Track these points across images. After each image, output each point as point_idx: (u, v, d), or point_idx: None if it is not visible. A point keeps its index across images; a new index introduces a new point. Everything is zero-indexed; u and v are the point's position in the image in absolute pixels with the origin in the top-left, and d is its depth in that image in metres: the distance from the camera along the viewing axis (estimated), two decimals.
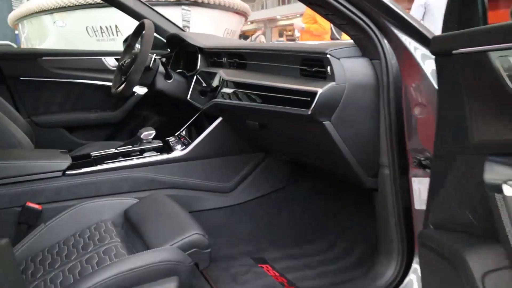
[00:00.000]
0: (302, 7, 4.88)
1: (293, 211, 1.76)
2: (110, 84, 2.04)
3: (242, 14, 4.53)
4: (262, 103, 1.27)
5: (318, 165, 1.57)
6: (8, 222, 1.39)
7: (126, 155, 1.67)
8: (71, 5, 3.77)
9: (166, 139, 1.85)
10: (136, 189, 1.58)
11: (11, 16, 4.99)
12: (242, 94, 1.41)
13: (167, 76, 2.01)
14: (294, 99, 1.14)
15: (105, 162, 1.58)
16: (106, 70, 2.38)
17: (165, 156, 1.64)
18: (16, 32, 6.00)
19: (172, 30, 2.26)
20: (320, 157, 1.41)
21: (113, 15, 3.61)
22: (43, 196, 1.43)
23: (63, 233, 1.30)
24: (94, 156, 1.66)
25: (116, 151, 1.71)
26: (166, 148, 1.71)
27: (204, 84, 1.84)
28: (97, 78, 2.37)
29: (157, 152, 1.67)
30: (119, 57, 2.08)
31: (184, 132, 1.87)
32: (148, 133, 1.72)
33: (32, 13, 4.31)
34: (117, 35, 3.88)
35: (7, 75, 2.18)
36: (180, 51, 2.23)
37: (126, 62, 1.97)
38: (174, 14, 3.51)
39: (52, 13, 4.04)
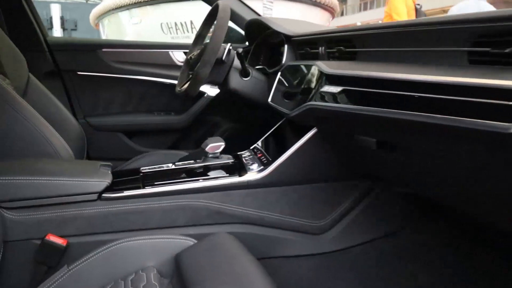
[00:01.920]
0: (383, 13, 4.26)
1: (411, 268, 1.21)
2: (176, 82, 1.66)
3: (330, 10, 4.02)
4: (399, 109, 0.76)
5: (462, 208, 1.01)
6: (24, 259, 1.03)
7: (186, 173, 1.25)
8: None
9: (239, 153, 1.41)
10: (195, 222, 1.15)
11: (91, 16, 4.95)
12: (356, 94, 0.91)
13: (244, 73, 1.57)
14: (474, 103, 0.62)
15: (157, 183, 1.16)
16: (173, 65, 2.01)
17: (236, 179, 1.19)
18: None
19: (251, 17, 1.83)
20: (479, 199, 0.86)
21: (188, 10, 3.28)
22: (70, 226, 1.05)
23: (91, 281, 0.91)
24: (143, 172, 1.26)
25: (173, 167, 1.30)
26: (238, 166, 1.27)
27: (291, 83, 1.37)
28: (163, 75, 2.01)
29: (226, 173, 1.23)
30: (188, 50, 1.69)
31: (261, 146, 1.42)
32: (216, 145, 1.28)
33: (109, 11, 4.17)
34: (192, 32, 3.58)
35: (63, 69, 1.89)
36: (261, 43, 1.79)
37: (195, 54, 1.57)
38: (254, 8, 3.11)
39: (127, 9, 3.84)
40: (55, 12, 11.12)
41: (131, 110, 2.04)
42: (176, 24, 3.58)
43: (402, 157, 0.91)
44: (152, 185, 1.15)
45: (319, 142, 1.18)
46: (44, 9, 10.93)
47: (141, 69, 1.98)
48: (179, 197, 1.14)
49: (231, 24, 1.92)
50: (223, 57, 1.50)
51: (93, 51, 1.90)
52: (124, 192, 1.11)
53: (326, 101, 1.01)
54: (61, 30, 11.30)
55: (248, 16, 1.85)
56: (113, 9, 4.05)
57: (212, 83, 1.68)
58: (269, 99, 1.47)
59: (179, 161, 1.74)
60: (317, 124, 1.16)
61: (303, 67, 1.27)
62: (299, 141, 1.18)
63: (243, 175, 1.20)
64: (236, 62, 1.56)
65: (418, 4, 4.07)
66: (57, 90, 1.88)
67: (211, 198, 1.16)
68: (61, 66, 1.88)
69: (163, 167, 1.30)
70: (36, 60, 1.80)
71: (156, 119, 2.04)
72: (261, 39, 1.78)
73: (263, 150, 1.35)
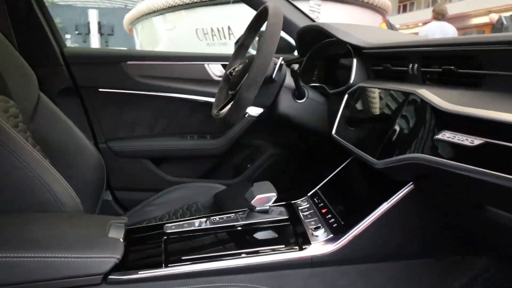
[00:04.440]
0: (423, 15, 3.82)
1: None
2: (213, 100, 1.34)
3: (381, 12, 3.61)
4: None
5: None
6: None
7: (223, 238, 0.92)
8: (181, 3, 3.26)
9: (294, 202, 1.07)
10: None
11: (125, 21, 4.76)
12: None
13: (298, 94, 1.24)
14: None
15: (184, 257, 0.83)
16: (209, 81, 1.69)
17: (295, 255, 0.84)
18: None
19: (303, 24, 1.49)
20: None
21: (226, 14, 2.97)
22: None
23: None
24: (168, 233, 0.93)
25: (207, 224, 0.97)
26: (296, 230, 0.92)
27: (367, 113, 1.02)
28: (197, 91, 1.69)
29: (280, 242, 0.88)
30: (228, 63, 1.37)
31: (324, 193, 1.07)
32: (264, 198, 0.94)
33: (142, 16, 3.93)
34: (230, 39, 3.27)
35: (81, 85, 1.61)
36: (316, 53, 1.45)
37: (236, 69, 1.25)
38: None
39: (161, 14, 3.58)
40: (93, 17, 11.19)
41: (159, 133, 1.74)
42: (212, 29, 3.29)
43: None
44: (177, 261, 0.82)
45: (418, 203, 0.82)
46: (82, 15, 11.05)
47: (172, 84, 1.67)
48: (213, 279, 0.81)
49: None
50: (273, 75, 1.16)
51: (116, 64, 1.61)
52: (139, 272, 0.79)
53: (444, 156, 0.64)
54: (99, 35, 11.38)
55: (301, 21, 1.51)
56: (146, 14, 3.82)
57: (258, 105, 1.35)
58: (333, 131, 1.12)
59: (215, 202, 1.42)
60: (418, 181, 0.79)
61: (391, 93, 0.90)
62: (388, 200, 0.82)
63: (305, 247, 0.85)
64: (288, 80, 1.22)
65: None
66: (74, 110, 1.61)
67: (258, 280, 0.82)
68: (79, 82, 1.60)
69: (194, 224, 0.97)
70: (50, 76, 1.53)
71: (188, 143, 1.72)
72: (317, 50, 1.43)
73: (328, 203, 1.00)
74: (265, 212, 0.97)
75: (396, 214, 0.82)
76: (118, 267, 0.78)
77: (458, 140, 0.62)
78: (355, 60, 1.14)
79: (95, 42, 11.47)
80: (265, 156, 1.75)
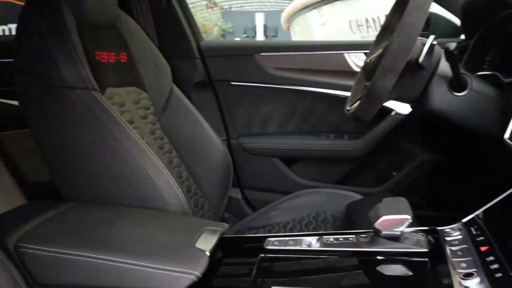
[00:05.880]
0: None
1: None
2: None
3: None
4: None
5: None
6: None
7: (334, 267, 0.71)
8: None
9: (440, 229, 0.79)
10: None
11: (282, 19, 4.80)
12: None
13: (457, 84, 0.93)
14: None
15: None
16: (349, 72, 1.47)
17: None
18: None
19: None
20: None
21: (382, 2, 2.66)
22: None
23: None
24: (267, 249, 0.77)
25: (316, 246, 0.77)
26: (438, 271, 0.65)
27: None
28: (335, 85, 1.49)
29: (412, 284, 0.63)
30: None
31: (486, 221, 0.75)
32: (395, 220, 0.70)
33: (297, 12, 3.87)
34: None
35: (214, 78, 1.57)
36: (489, 34, 1.09)
37: (375, 56, 1.02)
38: None
39: (314, 8, 3.45)
40: (259, 20, 11.79)
41: (291, 131, 1.59)
42: (367, 20, 3.00)
43: None
44: None
45: None
46: (249, 19, 11.75)
47: (307, 77, 1.50)
48: None
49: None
50: (420, 59, 0.88)
51: (249, 56, 1.52)
52: None
53: None
54: (264, 37, 11.94)
55: None
56: (300, 10, 3.73)
57: (401, 99, 1.08)
58: (507, 135, 0.79)
59: (348, 214, 1.21)
60: None
61: None
62: None
63: None
64: (444, 67, 0.93)
65: None
66: (207, 104, 1.57)
67: None
68: (213, 75, 1.56)
69: (301, 242, 0.78)
70: (186, 69, 1.52)
71: (323, 143, 1.53)
72: (492, 28, 1.08)
73: (491, 239, 0.69)
74: (395, 239, 0.73)
75: None
76: (196, 286, 0.65)
77: None
78: None
79: None
80: (415, 163, 1.44)
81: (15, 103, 1.04)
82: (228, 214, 1.59)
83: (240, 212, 1.61)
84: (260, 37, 11.75)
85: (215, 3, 14.94)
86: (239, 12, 14.50)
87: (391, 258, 0.70)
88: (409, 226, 0.72)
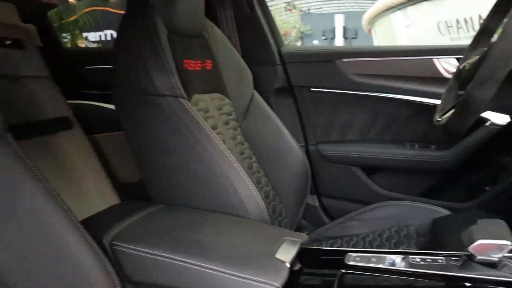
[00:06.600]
0: None
1: None
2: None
3: None
4: None
5: None
6: None
7: None
8: None
9: None
10: None
11: (363, 21, 4.70)
12: None
13: None
14: None
15: None
16: (438, 79, 1.38)
17: None
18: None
19: None
20: None
21: (474, 2, 2.48)
22: None
23: None
24: (348, 265, 0.74)
25: (402, 265, 0.73)
26: None
27: None
28: (421, 92, 1.41)
29: None
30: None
31: None
32: (492, 245, 0.64)
33: (380, 13, 3.76)
34: None
35: (295, 84, 1.56)
36: None
37: (470, 63, 0.95)
38: None
39: (399, 9, 3.33)
40: (339, 22, 11.59)
41: (373, 139, 1.53)
42: (458, 21, 2.82)
43: None
44: None
45: None
46: (328, 20, 11.60)
47: (391, 83, 1.44)
48: None
49: None
50: None
51: (330, 62, 1.50)
52: None
53: None
54: (343, 39, 11.72)
55: None
56: (383, 11, 3.61)
57: (500, 110, 0.99)
58: None
59: (433, 231, 1.13)
60: None
61: None
62: None
63: None
64: None
65: None
66: (287, 110, 1.58)
67: None
68: (293, 81, 1.56)
69: (384, 260, 0.75)
70: (267, 75, 1.54)
71: (407, 153, 1.46)
72: None
73: None
74: (492, 265, 0.67)
75: None
76: None
77: None
78: None
79: None
80: None
81: (112, 106, 1.13)
82: (305, 222, 1.58)
83: (316, 219, 1.59)
84: (339, 39, 11.56)
85: (293, 5, 14.99)
86: (318, 14, 14.40)
87: (487, 286, 0.64)
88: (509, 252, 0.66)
